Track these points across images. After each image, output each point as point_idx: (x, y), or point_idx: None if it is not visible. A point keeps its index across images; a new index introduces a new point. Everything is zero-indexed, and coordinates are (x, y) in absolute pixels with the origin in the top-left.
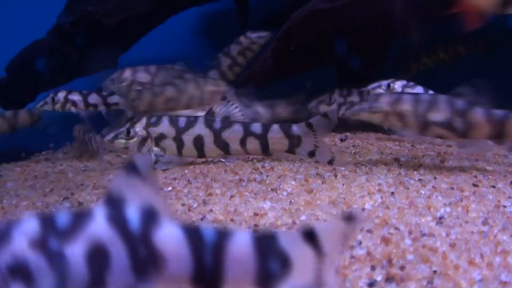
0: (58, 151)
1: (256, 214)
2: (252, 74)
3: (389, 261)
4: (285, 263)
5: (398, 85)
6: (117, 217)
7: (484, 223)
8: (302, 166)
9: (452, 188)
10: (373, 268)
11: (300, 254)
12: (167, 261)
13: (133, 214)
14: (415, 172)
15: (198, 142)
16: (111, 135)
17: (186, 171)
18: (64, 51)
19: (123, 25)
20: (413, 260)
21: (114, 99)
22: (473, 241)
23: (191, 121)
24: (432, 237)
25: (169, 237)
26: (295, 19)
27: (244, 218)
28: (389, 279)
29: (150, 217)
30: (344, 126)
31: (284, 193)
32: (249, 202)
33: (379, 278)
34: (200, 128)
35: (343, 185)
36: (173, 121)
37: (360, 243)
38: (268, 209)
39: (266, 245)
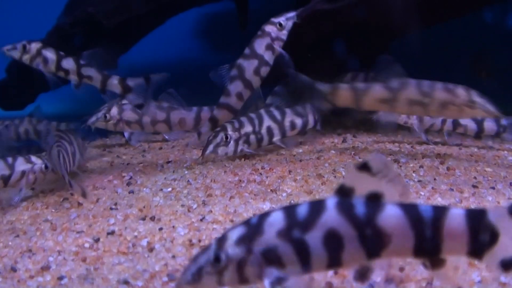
0: None
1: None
2: None
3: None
4: (493, 235)
5: None
6: (345, 205)
7: None
8: (301, 167)
9: (452, 189)
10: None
11: (507, 227)
12: (392, 237)
13: (359, 201)
14: (414, 173)
15: None
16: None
17: (186, 172)
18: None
19: (122, 27)
20: (413, 261)
21: (90, 72)
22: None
23: None
24: None
25: (391, 217)
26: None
27: (244, 219)
28: (388, 280)
29: (374, 202)
30: (344, 127)
31: (284, 194)
32: (249, 203)
33: (378, 279)
34: None
35: None
36: None
37: None
38: (267, 210)
39: (477, 219)
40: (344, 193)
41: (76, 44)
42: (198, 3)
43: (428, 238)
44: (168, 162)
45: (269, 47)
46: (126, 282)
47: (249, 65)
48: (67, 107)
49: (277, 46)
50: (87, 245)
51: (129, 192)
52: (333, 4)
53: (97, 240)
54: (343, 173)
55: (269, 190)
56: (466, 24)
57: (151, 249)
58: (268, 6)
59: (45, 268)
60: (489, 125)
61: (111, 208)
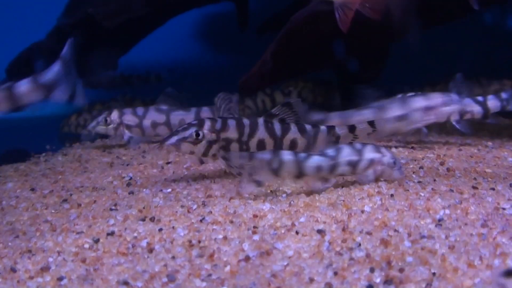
0: (58, 153)
1: (255, 216)
2: (252, 76)
3: (388, 263)
4: None
5: None
6: None
7: (483, 225)
8: None
9: (452, 190)
10: (372, 270)
11: None
12: None
13: None
14: (414, 174)
15: None
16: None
17: (186, 172)
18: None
19: (123, 27)
20: (412, 262)
21: None
22: (472, 244)
23: None
24: (431, 239)
25: None
26: (294, 22)
27: (244, 219)
28: (388, 281)
29: None
30: None
31: (284, 195)
32: (249, 204)
33: (378, 280)
34: None
35: (342, 187)
36: None
37: (359, 245)
38: (267, 211)
39: None
40: None
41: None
42: (198, 4)
43: None
44: (168, 163)
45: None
46: (125, 283)
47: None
48: (66, 108)
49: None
50: (86, 245)
51: (129, 193)
52: (332, 5)
53: (96, 241)
54: None
55: (269, 191)
56: (466, 25)
57: (150, 250)
58: (268, 8)
59: (45, 268)
60: (492, 103)
61: (110, 209)
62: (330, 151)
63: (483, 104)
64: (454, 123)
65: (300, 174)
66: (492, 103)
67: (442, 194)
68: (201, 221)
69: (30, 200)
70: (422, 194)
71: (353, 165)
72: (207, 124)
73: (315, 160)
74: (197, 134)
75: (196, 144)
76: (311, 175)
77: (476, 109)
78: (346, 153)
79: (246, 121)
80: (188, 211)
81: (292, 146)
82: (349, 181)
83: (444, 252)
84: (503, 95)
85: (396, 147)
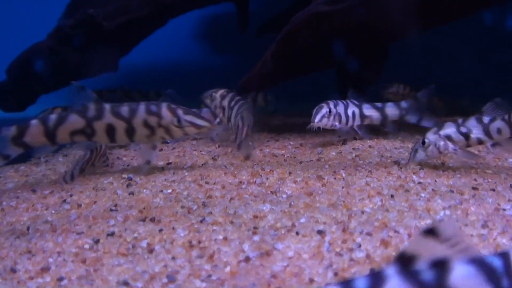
0: (58, 154)
1: (255, 217)
2: (252, 77)
3: (388, 264)
4: None
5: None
6: (409, 273)
7: (484, 226)
8: (302, 168)
9: (452, 191)
10: (372, 271)
11: None
12: None
13: (423, 265)
14: (415, 175)
15: None
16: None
17: (186, 173)
18: (64, 54)
19: (123, 28)
20: None
21: None
22: (473, 244)
23: None
24: None
25: (462, 275)
26: (295, 23)
27: (244, 220)
28: None
29: (441, 265)
30: None
31: (284, 196)
32: (249, 204)
33: None
34: None
35: (342, 188)
36: None
37: (360, 246)
38: (267, 212)
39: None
40: (405, 261)
41: (76, 46)
42: (198, 4)
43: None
44: (169, 163)
45: None
46: (125, 283)
47: None
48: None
49: None
50: (87, 246)
51: (129, 194)
52: (333, 7)
53: (97, 242)
54: (343, 175)
55: (269, 192)
56: (465, 26)
57: (151, 251)
58: (268, 8)
59: (45, 269)
60: (391, 110)
61: (111, 210)
62: None
63: (381, 111)
64: (357, 128)
65: None
66: (390, 110)
67: (443, 195)
68: (201, 221)
69: (30, 201)
70: (423, 195)
71: None
72: None
73: None
74: None
75: None
76: None
77: (375, 115)
78: None
79: None
80: (188, 212)
81: None
82: (349, 182)
83: None
84: (403, 103)
85: (396, 148)
